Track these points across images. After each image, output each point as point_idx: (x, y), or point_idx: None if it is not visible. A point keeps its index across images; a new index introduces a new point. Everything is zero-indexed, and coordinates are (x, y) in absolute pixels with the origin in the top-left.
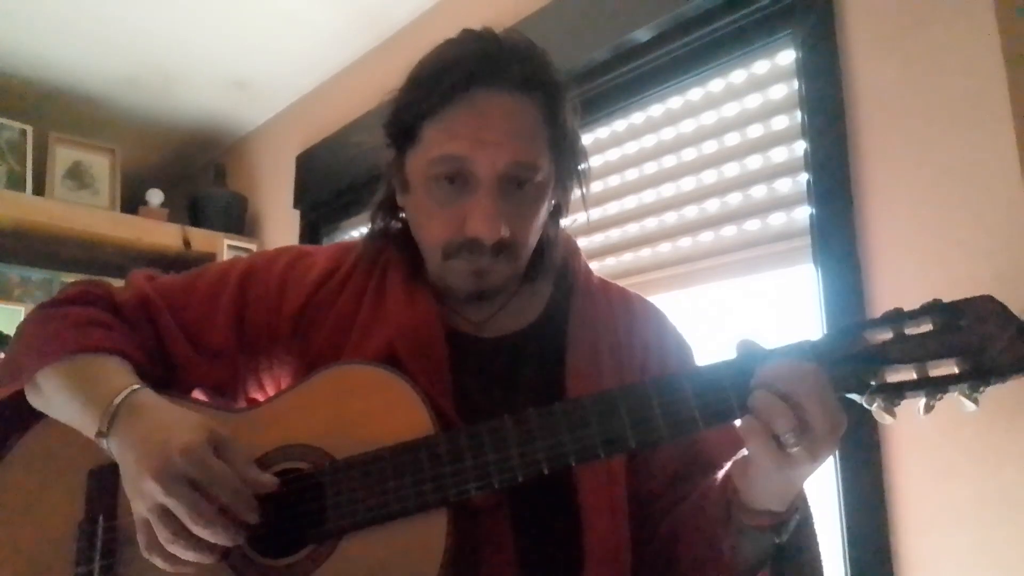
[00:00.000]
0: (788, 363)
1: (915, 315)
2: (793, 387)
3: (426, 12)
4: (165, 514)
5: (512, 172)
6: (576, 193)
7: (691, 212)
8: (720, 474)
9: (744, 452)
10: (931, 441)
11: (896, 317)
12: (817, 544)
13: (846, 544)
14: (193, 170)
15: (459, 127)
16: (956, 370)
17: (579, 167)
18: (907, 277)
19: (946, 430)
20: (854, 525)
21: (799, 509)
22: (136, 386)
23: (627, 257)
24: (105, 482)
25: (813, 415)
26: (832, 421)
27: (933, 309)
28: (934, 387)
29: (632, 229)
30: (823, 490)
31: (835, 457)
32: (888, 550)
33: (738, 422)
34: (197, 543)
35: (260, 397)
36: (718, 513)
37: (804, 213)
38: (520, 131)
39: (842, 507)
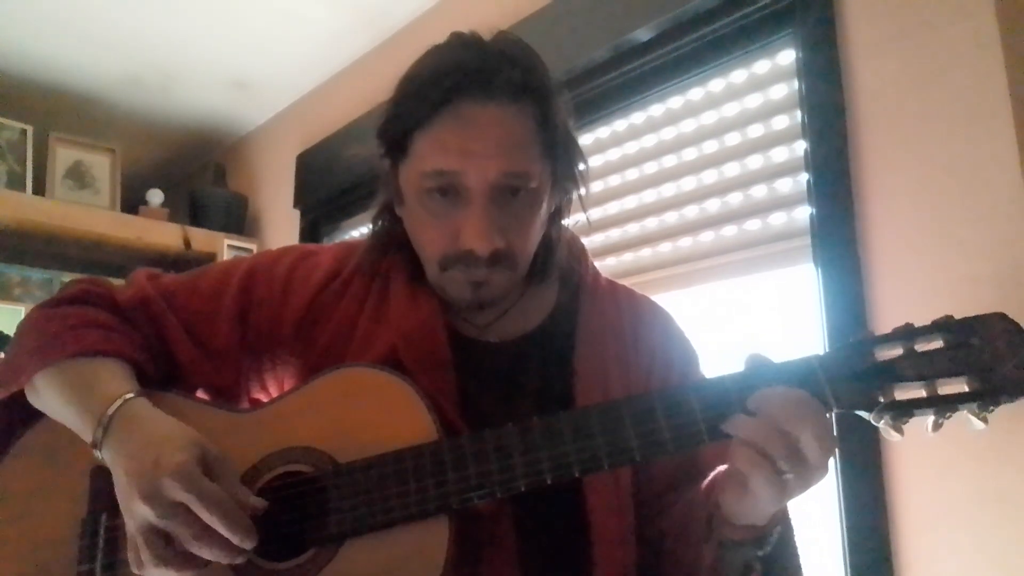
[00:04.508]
0: (780, 391)
1: (925, 331)
2: (785, 414)
3: (426, 12)
4: (154, 535)
5: (504, 182)
6: (576, 194)
7: (691, 212)
8: (705, 483)
9: (726, 467)
10: (931, 441)
11: (906, 333)
12: (798, 560)
13: (846, 544)
14: (193, 170)
15: (448, 140)
16: (966, 388)
17: (577, 168)
18: (907, 277)
19: (946, 430)
20: (854, 525)
21: (780, 523)
22: (130, 395)
23: (627, 257)
24: (107, 480)
25: (805, 443)
26: (823, 448)
27: (944, 326)
28: (943, 405)
29: (632, 229)
30: (823, 490)
31: (835, 457)
32: (888, 550)
33: None
34: (185, 562)
35: (263, 398)
36: (700, 521)
37: (804, 213)
38: (510, 140)
39: (842, 507)
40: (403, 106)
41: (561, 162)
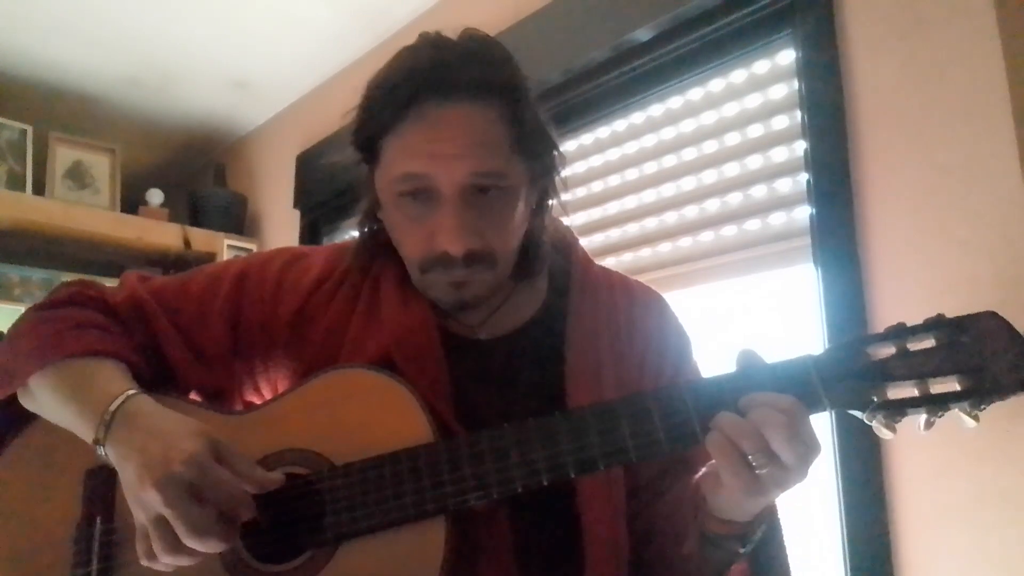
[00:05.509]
0: (766, 395)
1: (918, 331)
2: (763, 417)
3: (426, 12)
4: (165, 524)
5: (474, 182)
6: (556, 190)
7: (691, 212)
8: (695, 477)
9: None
10: (931, 441)
11: (898, 332)
12: (787, 560)
13: (846, 544)
14: (193, 170)
15: (414, 143)
16: (958, 387)
17: (554, 161)
18: (907, 277)
19: (946, 430)
20: (854, 525)
21: (766, 521)
22: (131, 391)
23: (627, 257)
24: (102, 483)
25: (780, 446)
26: (802, 452)
27: (936, 325)
28: (935, 404)
29: (632, 229)
30: (823, 490)
31: (835, 456)
32: (888, 550)
33: None
34: (194, 553)
35: (256, 400)
36: (688, 515)
37: (804, 213)
38: (478, 140)
39: (842, 507)
40: (370, 111)
41: (536, 157)
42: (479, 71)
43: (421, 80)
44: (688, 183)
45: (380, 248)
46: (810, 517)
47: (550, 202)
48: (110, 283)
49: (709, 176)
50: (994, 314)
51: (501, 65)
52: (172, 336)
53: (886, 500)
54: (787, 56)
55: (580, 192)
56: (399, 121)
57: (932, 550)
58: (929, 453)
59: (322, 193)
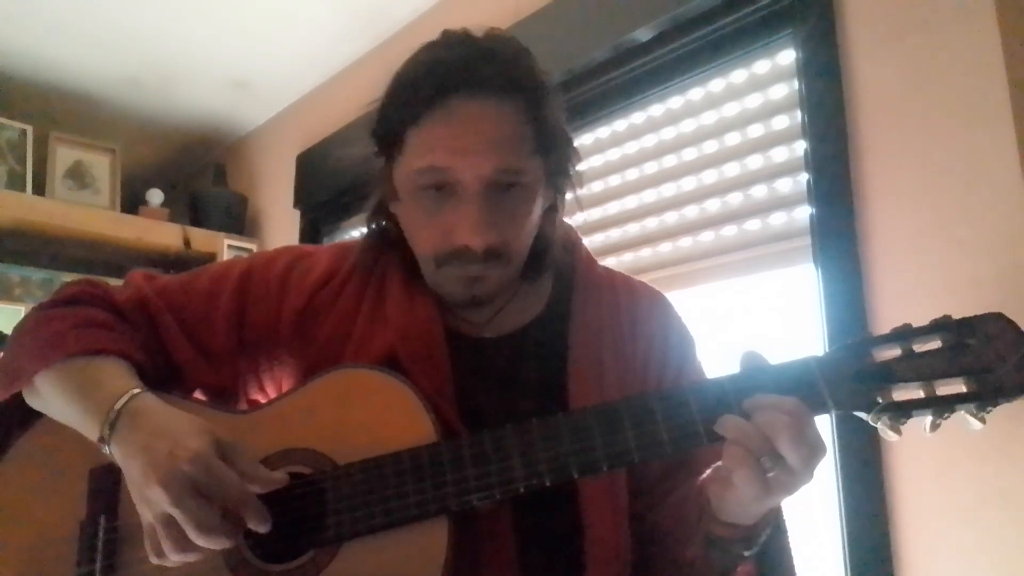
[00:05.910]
0: (773, 397)
1: (923, 332)
2: (770, 421)
3: (426, 12)
4: (172, 522)
5: (496, 178)
6: (570, 190)
7: (691, 212)
8: (700, 479)
9: (721, 463)
10: (931, 441)
11: (904, 334)
12: (791, 559)
13: (846, 544)
14: (193, 170)
15: (439, 137)
16: (964, 389)
17: (570, 163)
18: (907, 277)
19: (946, 429)
20: (854, 525)
21: (771, 525)
22: (136, 390)
23: (627, 257)
24: (106, 481)
25: (786, 449)
26: (807, 455)
27: (942, 326)
28: (941, 406)
29: (632, 229)
30: (823, 488)
31: (835, 456)
32: (888, 549)
33: None
34: (201, 550)
35: (261, 399)
36: (691, 518)
37: (804, 213)
38: (501, 136)
39: (842, 507)
40: (395, 103)
41: (553, 157)
42: (506, 69)
43: (449, 75)
44: (688, 183)
45: (388, 243)
46: (810, 517)
47: (562, 202)
48: (111, 283)
49: (709, 176)
50: (1001, 315)
51: (527, 66)
52: (177, 335)
53: (886, 500)
54: (787, 56)
55: (581, 192)
56: (426, 113)
57: (933, 550)
58: (930, 453)
59: (322, 193)
